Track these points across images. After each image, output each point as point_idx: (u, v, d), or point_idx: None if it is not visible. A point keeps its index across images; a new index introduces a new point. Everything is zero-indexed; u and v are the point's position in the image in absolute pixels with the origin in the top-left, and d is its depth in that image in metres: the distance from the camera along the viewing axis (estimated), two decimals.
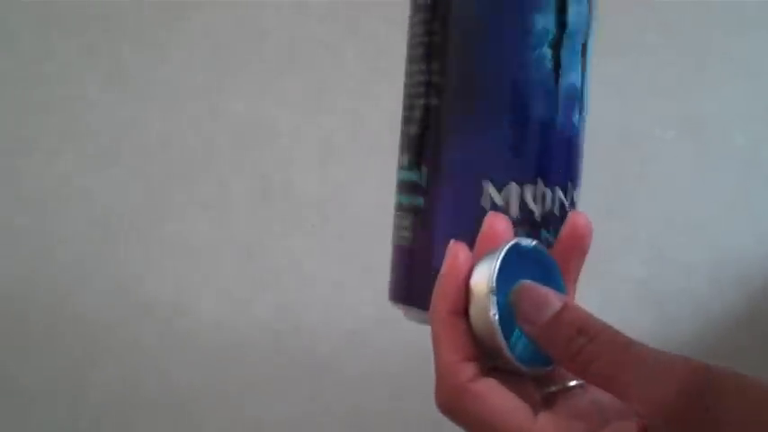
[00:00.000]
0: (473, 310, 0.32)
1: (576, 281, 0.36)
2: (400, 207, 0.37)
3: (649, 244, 0.81)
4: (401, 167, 0.37)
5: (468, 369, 0.31)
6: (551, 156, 0.36)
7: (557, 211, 0.37)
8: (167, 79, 0.89)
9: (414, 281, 0.36)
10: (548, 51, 0.35)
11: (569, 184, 0.37)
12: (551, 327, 0.30)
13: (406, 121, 0.37)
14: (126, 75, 0.89)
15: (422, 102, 0.36)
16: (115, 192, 0.84)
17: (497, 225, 0.33)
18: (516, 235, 0.34)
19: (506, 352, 0.31)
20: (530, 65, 0.35)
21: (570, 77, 0.36)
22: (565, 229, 0.36)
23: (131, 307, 0.80)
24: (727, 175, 0.84)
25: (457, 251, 0.33)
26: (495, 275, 0.31)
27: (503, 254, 0.32)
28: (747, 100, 0.87)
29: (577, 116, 0.37)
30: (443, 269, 0.33)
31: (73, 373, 0.77)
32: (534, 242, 0.33)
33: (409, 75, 0.38)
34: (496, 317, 0.31)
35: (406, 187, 0.37)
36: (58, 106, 0.88)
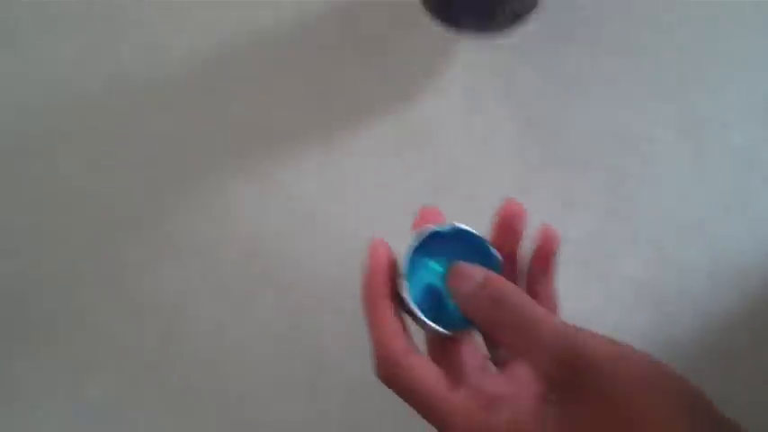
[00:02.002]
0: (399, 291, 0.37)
1: (552, 273, 0.40)
2: None
3: (649, 244, 0.81)
4: None
5: (401, 343, 0.36)
6: None
7: None
8: (167, 80, 0.89)
9: None
10: None
11: None
12: (472, 297, 0.34)
13: None
14: (126, 75, 0.89)
15: None
16: (115, 192, 0.84)
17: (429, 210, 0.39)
18: None
19: (426, 321, 0.36)
20: None
21: None
22: (539, 241, 0.40)
23: (131, 307, 0.80)
24: (726, 176, 0.84)
25: (377, 246, 0.38)
26: (407, 263, 0.37)
27: (416, 242, 0.37)
28: (746, 100, 0.87)
29: None
30: (369, 263, 0.38)
31: (72, 373, 0.78)
32: (451, 225, 0.38)
33: None
34: (407, 294, 0.36)
35: None
36: (58, 106, 0.88)
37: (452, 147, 0.85)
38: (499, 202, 0.48)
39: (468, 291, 0.34)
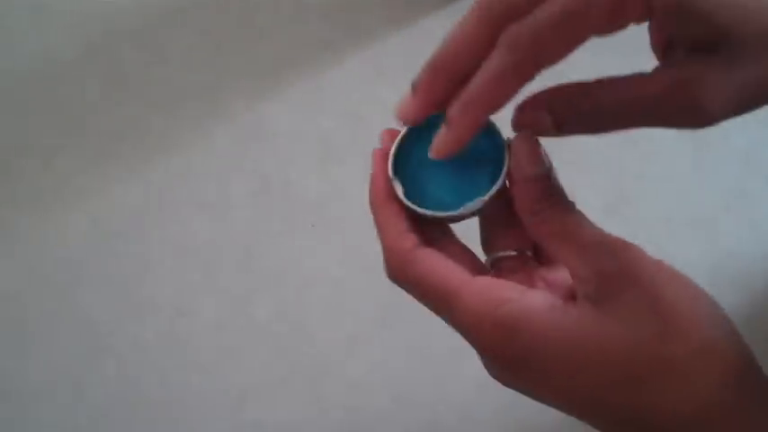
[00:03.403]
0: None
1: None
2: None
3: (649, 244, 0.81)
4: None
5: (408, 240, 0.36)
6: None
7: None
8: (167, 79, 0.89)
9: None
10: None
11: None
12: (531, 182, 0.34)
13: None
14: (126, 75, 0.89)
15: None
16: (115, 192, 0.84)
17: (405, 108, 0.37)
18: None
19: (419, 210, 0.37)
20: None
21: None
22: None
23: (131, 307, 0.80)
24: (726, 176, 0.84)
25: (376, 154, 0.39)
26: (392, 161, 0.38)
27: (398, 141, 0.38)
28: None
29: None
30: (372, 169, 0.39)
31: (73, 372, 0.77)
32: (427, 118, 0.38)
33: None
34: (400, 192, 0.37)
35: None
36: (58, 106, 0.88)
37: None
38: None
39: (530, 174, 0.34)
